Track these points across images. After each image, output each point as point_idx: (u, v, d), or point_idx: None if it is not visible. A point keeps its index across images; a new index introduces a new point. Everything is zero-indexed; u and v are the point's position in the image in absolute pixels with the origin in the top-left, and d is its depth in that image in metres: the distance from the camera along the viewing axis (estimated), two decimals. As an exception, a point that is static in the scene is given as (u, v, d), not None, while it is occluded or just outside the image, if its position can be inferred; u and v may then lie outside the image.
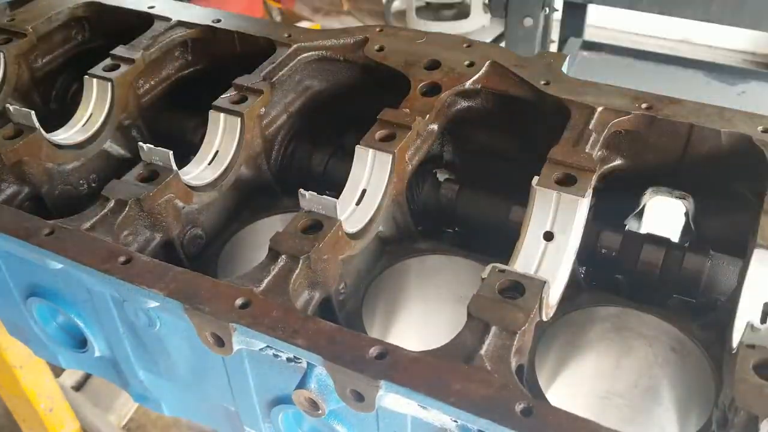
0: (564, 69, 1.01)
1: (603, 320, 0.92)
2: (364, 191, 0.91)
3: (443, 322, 1.01)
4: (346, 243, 0.85)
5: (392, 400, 0.69)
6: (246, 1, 3.82)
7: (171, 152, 0.91)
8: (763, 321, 0.76)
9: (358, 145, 0.91)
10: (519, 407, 0.62)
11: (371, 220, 0.90)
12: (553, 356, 0.93)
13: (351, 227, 0.88)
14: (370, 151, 0.91)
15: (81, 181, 1.07)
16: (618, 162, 0.96)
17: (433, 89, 1.00)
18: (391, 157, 0.90)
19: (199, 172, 1.00)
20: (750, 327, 0.66)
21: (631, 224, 1.03)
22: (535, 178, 0.83)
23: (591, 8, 3.94)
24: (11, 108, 1.00)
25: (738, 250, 0.89)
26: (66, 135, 1.07)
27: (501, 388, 0.64)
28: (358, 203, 0.91)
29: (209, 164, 1.01)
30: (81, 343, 1.03)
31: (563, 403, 0.66)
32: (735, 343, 0.73)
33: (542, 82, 0.97)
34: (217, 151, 1.01)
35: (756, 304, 0.77)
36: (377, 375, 0.66)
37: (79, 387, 2.69)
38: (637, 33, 4.35)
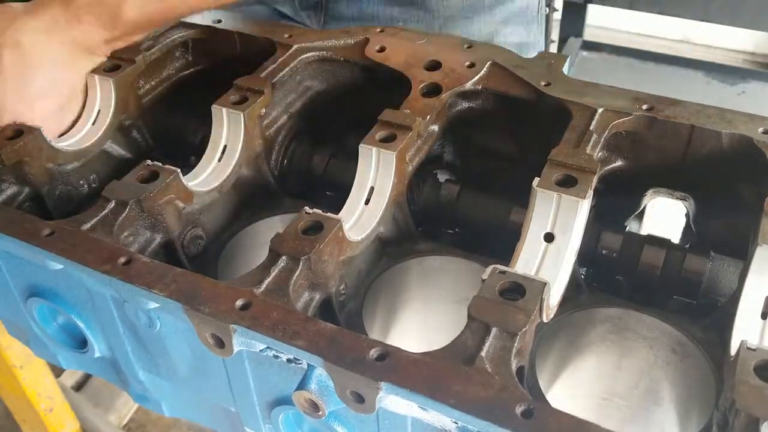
0: (564, 70, 1.01)
1: (603, 321, 0.92)
2: (372, 189, 0.91)
3: (443, 323, 1.01)
4: (346, 244, 0.85)
5: (392, 401, 0.69)
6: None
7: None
8: (763, 317, 0.76)
9: (361, 144, 0.91)
10: (519, 409, 0.62)
11: (378, 221, 0.90)
12: (554, 357, 0.93)
13: (360, 229, 0.88)
14: (374, 148, 0.91)
15: (81, 182, 1.07)
16: (619, 163, 0.96)
17: (434, 90, 1.00)
18: (394, 155, 0.90)
19: (211, 169, 1.00)
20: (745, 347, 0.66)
21: (631, 225, 1.03)
22: (536, 180, 0.83)
23: (591, 8, 3.95)
24: (11, 108, 1.00)
25: (739, 252, 0.89)
26: (66, 135, 1.07)
27: (501, 389, 0.64)
28: (367, 202, 0.91)
29: (219, 161, 1.01)
30: (81, 344, 1.03)
31: (564, 404, 0.66)
32: (735, 344, 0.73)
33: (543, 83, 0.98)
34: (225, 146, 1.01)
35: (756, 305, 0.77)
36: (378, 376, 0.66)
37: (79, 387, 2.69)
38: (637, 33, 4.35)
